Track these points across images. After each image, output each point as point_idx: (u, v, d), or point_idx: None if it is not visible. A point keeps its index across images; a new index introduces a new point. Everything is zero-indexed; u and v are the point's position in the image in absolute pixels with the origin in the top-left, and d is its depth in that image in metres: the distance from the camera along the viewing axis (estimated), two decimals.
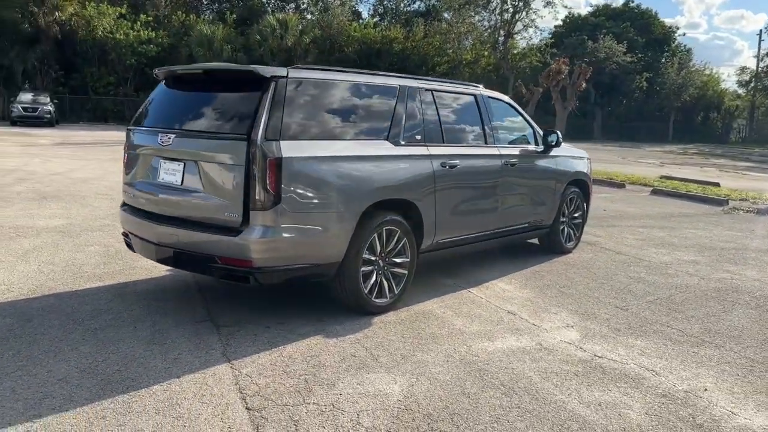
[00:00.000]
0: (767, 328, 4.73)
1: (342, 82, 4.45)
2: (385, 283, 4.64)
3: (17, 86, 33.04)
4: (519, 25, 43.76)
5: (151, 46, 35.40)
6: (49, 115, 28.46)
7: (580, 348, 4.13)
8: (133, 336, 3.92)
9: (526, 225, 6.31)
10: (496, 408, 3.20)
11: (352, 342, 4.02)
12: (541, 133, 6.40)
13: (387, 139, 4.63)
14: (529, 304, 5.05)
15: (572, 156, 7.01)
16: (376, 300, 4.57)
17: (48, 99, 29.38)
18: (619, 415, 3.20)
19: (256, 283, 3.96)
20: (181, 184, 4.22)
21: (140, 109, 4.81)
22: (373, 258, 4.51)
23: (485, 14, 44.25)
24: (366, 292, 4.46)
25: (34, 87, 33.21)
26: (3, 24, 33.16)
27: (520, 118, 6.37)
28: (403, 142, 4.75)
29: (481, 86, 6.04)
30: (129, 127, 4.79)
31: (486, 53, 45.24)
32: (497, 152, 5.70)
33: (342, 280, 4.37)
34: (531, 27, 43.95)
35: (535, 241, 7.03)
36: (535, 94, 18.98)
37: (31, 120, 28.01)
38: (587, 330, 4.50)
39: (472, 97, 5.67)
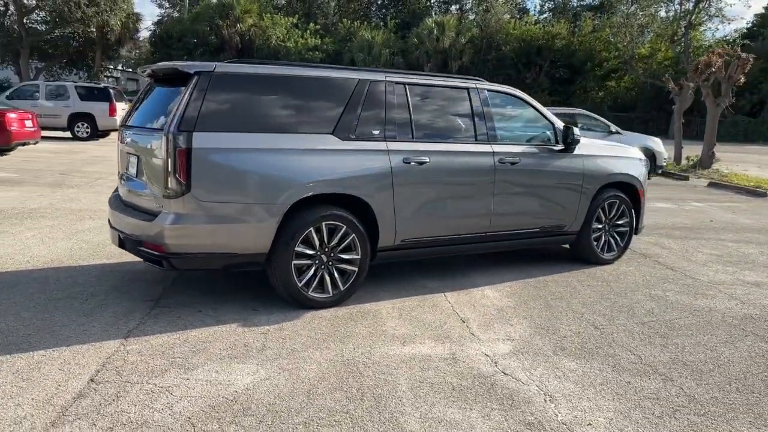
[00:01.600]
0: (757, 365, 3.86)
1: (279, 76, 4.50)
2: (328, 278, 4.60)
3: None
4: (703, 15, 39.23)
5: (317, 52, 37.75)
6: None
7: (494, 363, 3.74)
8: (76, 307, 4.37)
9: (537, 230, 5.79)
10: (322, 410, 3.07)
11: (258, 333, 4.07)
12: (561, 129, 5.82)
13: (333, 134, 4.57)
14: (492, 314, 4.66)
15: (612, 156, 6.27)
16: (315, 295, 4.55)
17: None
18: None
19: (170, 268, 4.20)
20: (136, 176, 4.60)
21: (129, 108, 5.31)
22: (310, 252, 4.50)
23: (663, 4, 40.39)
24: (301, 285, 4.47)
25: None
26: (195, 36, 37.79)
27: (536, 114, 5.86)
28: (353, 137, 4.66)
29: (481, 80, 5.68)
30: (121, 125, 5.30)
31: (663, 47, 41.34)
32: (489, 150, 5.31)
33: (273, 272, 4.43)
34: (717, 17, 39.07)
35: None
36: (685, 89, 16.98)
37: None
38: (526, 346, 4.05)
39: (463, 92, 5.35)
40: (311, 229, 4.45)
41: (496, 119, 5.54)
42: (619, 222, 6.35)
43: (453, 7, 46.63)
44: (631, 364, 3.81)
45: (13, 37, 36.82)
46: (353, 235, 4.64)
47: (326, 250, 4.58)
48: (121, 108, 19.80)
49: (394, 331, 4.21)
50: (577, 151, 5.89)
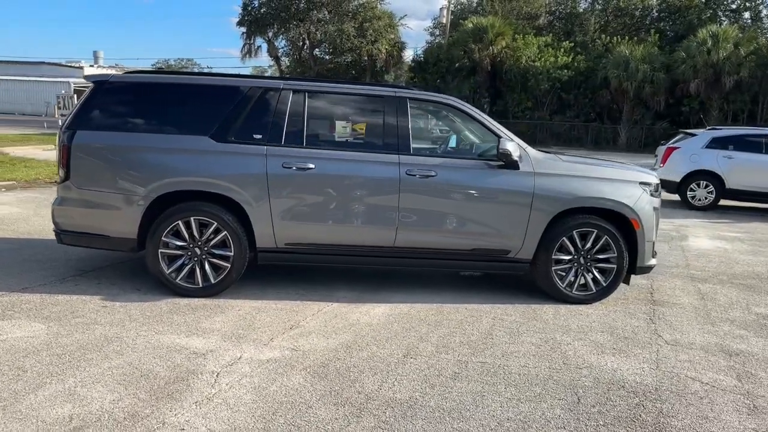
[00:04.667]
0: (483, 427, 3.07)
1: (165, 84, 5.08)
2: (198, 270, 4.98)
3: None
4: None
5: (566, 71, 36.46)
6: None
7: (230, 365, 3.73)
8: (25, 267, 5.56)
9: (468, 251, 5.21)
10: (15, 365, 3.55)
11: (100, 306, 4.68)
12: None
13: (210, 136, 4.95)
14: (334, 326, 4.49)
15: (585, 176, 5.25)
16: (183, 283, 4.97)
17: None
18: None
19: (61, 242, 5.08)
20: None
21: None
22: (180, 243, 4.94)
23: None
24: (168, 272, 4.95)
25: None
26: (450, 60, 39.85)
27: (479, 126, 5.27)
28: (231, 140, 4.95)
29: (411, 89, 5.40)
30: None
31: None
32: (394, 160, 5.03)
33: (146, 257, 5.00)
34: None
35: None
36: None
37: None
38: (295, 356, 3.89)
39: (376, 101, 5.17)
40: (179, 222, 4.90)
41: (417, 129, 5.22)
42: (601, 256, 5.28)
43: (745, 14, 40.35)
44: (354, 393, 3.41)
45: (305, 66, 43.78)
46: (225, 232, 4.94)
47: (199, 243, 4.96)
48: None
49: (206, 326, 4.40)
50: (526, 168, 5.14)
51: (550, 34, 39.64)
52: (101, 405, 3.16)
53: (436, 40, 48.13)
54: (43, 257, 5.96)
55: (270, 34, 43.85)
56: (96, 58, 63.74)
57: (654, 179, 5.48)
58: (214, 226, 4.91)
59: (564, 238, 5.22)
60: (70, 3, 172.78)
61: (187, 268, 4.97)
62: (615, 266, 5.28)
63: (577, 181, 5.22)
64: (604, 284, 5.33)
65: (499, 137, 5.15)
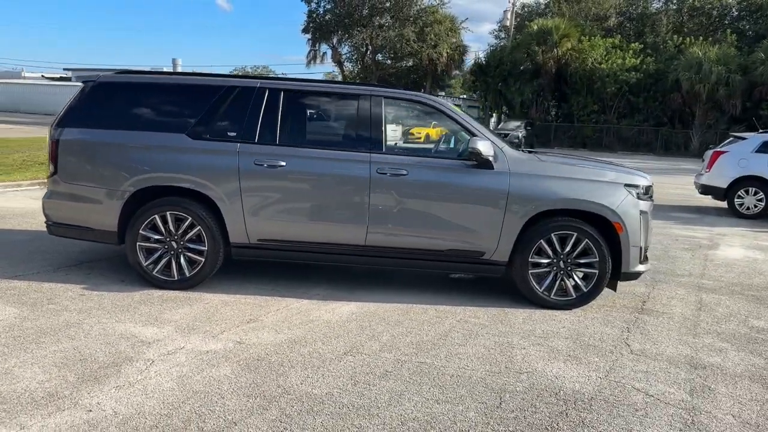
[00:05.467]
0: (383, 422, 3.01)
1: (149, 84, 5.27)
2: (174, 263, 5.14)
3: (515, 116, 38.45)
4: None
5: (633, 73, 35.06)
6: (516, 140, 32.29)
7: (169, 353, 3.85)
8: (28, 257, 5.91)
9: (442, 252, 5.11)
10: None
11: (78, 294, 4.92)
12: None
13: (186, 133, 5.10)
14: (291, 322, 4.54)
15: (564, 177, 5.05)
16: (159, 275, 5.15)
17: (520, 126, 33.33)
18: None
19: (52, 234, 5.37)
20: None
21: None
22: (157, 237, 5.12)
23: None
24: (146, 264, 5.14)
25: (527, 116, 37.92)
26: (513, 64, 39.14)
27: (455, 125, 5.18)
28: (206, 137, 5.09)
29: (387, 88, 5.35)
30: None
31: None
32: (365, 158, 5.02)
33: (126, 249, 5.22)
34: None
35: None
36: None
37: None
38: (239, 349, 3.96)
39: (351, 100, 5.18)
40: (156, 216, 5.08)
41: (392, 128, 5.18)
42: (582, 261, 5.06)
43: None
44: (273, 387, 3.44)
45: (368, 71, 44.26)
46: (199, 227, 5.08)
47: (175, 238, 5.13)
48: None
49: (166, 317, 4.53)
50: (501, 168, 5.01)
51: (619, 36, 38.22)
52: (28, 384, 3.33)
53: (501, 43, 47.45)
54: (48, 248, 6.32)
55: (334, 41, 44.65)
56: (174, 65, 66.59)
57: (643, 181, 5.20)
58: (189, 221, 5.07)
59: (542, 240, 5.04)
60: (154, 11, 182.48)
61: (164, 260, 5.14)
62: (597, 271, 5.05)
63: (554, 182, 5.03)
64: (585, 290, 5.10)
65: (473, 135, 5.05)
